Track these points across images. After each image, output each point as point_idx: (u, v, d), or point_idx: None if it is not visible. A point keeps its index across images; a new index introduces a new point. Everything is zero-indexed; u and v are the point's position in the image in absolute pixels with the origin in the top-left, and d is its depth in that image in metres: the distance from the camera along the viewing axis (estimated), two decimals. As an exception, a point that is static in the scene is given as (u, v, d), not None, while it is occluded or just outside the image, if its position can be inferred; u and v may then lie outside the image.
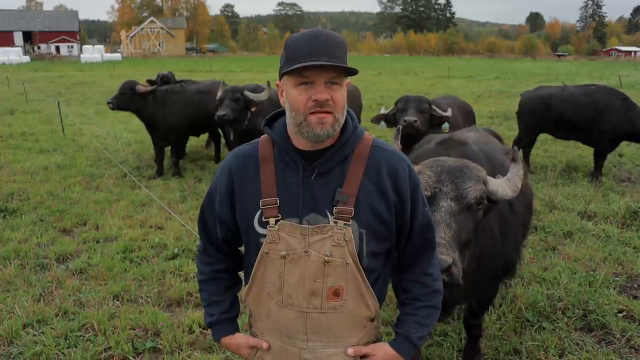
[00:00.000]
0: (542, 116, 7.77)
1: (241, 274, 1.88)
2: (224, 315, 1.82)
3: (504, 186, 2.36)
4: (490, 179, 2.33)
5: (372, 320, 1.72)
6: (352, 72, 1.52)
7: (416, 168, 2.21)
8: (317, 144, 1.58)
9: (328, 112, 1.51)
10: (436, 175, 2.26)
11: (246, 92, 6.69)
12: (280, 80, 1.61)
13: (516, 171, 2.45)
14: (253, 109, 6.68)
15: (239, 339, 1.80)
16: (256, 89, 7.15)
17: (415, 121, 5.32)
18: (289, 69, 1.49)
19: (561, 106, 7.54)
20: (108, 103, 7.45)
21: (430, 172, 2.28)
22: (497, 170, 2.83)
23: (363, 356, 1.70)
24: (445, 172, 2.26)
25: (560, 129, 7.79)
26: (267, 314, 1.70)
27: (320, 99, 1.49)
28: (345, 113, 1.59)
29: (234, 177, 1.67)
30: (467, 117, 6.50)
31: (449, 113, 5.61)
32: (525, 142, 8.16)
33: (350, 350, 1.68)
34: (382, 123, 5.72)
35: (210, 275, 1.83)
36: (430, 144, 3.12)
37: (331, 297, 1.61)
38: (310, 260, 1.58)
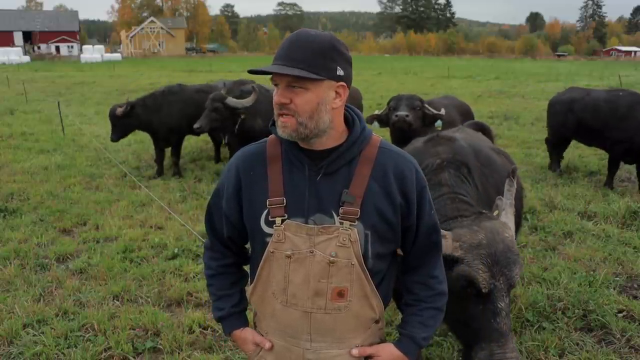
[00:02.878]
0: (564, 120, 7.53)
1: (247, 269, 1.89)
2: (234, 309, 1.83)
3: (512, 219, 2.32)
4: (511, 230, 2.25)
5: (376, 321, 1.72)
6: (297, 76, 1.48)
7: (457, 252, 2.08)
8: (316, 143, 1.59)
9: (289, 115, 1.53)
10: (489, 269, 2.07)
11: (228, 100, 6.52)
12: None
13: (512, 193, 2.38)
14: (242, 116, 6.52)
15: (246, 333, 1.81)
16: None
17: (407, 116, 5.32)
18: (249, 71, 1.58)
19: (582, 111, 7.25)
20: (112, 140, 7.73)
21: (482, 265, 2.08)
22: (484, 166, 2.87)
23: (367, 357, 1.70)
24: (495, 264, 2.08)
25: (581, 135, 7.51)
26: (271, 313, 1.70)
27: (276, 101, 1.54)
28: (318, 118, 1.55)
29: (241, 176, 1.68)
30: (465, 117, 6.35)
31: (442, 112, 5.58)
32: (552, 145, 7.93)
33: (355, 351, 1.68)
34: (375, 123, 5.73)
35: (217, 270, 1.84)
36: (418, 142, 3.09)
37: (335, 297, 1.61)
38: (315, 260, 1.58)
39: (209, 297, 1.98)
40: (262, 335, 1.77)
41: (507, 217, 2.30)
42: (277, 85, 1.55)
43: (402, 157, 1.67)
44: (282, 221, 1.60)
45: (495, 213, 2.37)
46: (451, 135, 2.96)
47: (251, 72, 1.56)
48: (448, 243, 2.06)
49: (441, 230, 1.95)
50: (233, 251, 1.84)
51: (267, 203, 1.61)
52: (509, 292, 2.09)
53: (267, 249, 1.63)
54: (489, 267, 2.06)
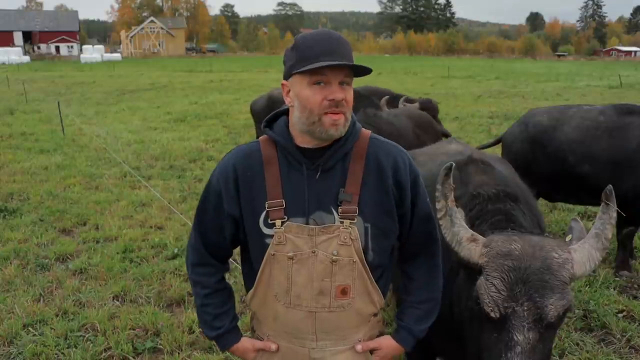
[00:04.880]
0: None
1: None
2: (231, 324, 1.80)
3: (592, 254, 1.69)
4: (576, 258, 1.67)
5: (375, 314, 1.74)
6: (367, 71, 1.56)
7: (482, 260, 1.67)
8: (322, 142, 1.59)
9: (341, 113, 1.54)
10: (508, 289, 1.60)
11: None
12: (287, 79, 1.61)
13: (607, 218, 1.76)
14: None
15: (245, 343, 1.78)
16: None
17: None
18: (305, 68, 1.49)
19: None
20: None
21: (499, 282, 1.62)
22: (521, 189, 2.40)
23: (371, 350, 1.73)
24: (520, 283, 1.59)
25: None
26: (273, 316, 1.69)
27: (337, 98, 1.51)
28: (351, 112, 1.62)
29: (239, 173, 1.65)
30: (424, 131, 5.24)
31: None
32: None
33: (359, 347, 1.70)
34: None
35: (215, 287, 1.77)
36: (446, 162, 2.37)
37: (339, 295, 1.62)
38: (317, 260, 1.59)
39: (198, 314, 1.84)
40: (262, 339, 1.76)
41: (584, 248, 1.71)
42: (320, 83, 1.51)
43: (394, 147, 1.70)
44: (283, 223, 1.59)
45: (568, 238, 1.88)
46: (486, 160, 2.44)
47: (322, 67, 1.47)
48: (477, 248, 1.70)
49: (475, 234, 1.76)
50: (222, 262, 1.79)
51: (266, 205, 1.60)
52: (538, 326, 1.59)
53: (267, 251, 1.62)
54: (510, 284, 1.60)
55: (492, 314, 1.61)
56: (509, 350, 1.58)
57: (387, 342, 1.75)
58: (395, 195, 1.63)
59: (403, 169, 1.64)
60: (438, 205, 1.80)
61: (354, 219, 1.58)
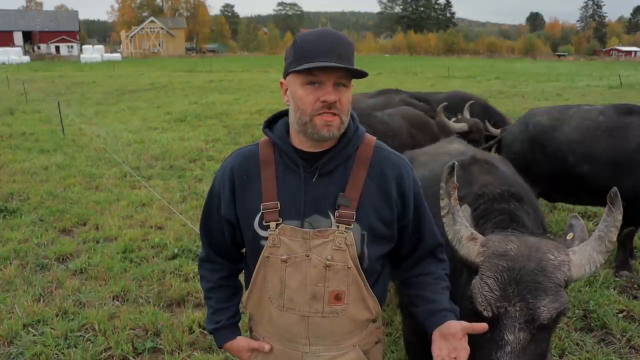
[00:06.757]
0: None
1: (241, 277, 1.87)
2: (230, 321, 1.81)
3: (593, 256, 1.68)
4: (574, 260, 1.67)
5: (373, 321, 1.72)
6: (361, 74, 1.51)
7: (479, 259, 1.70)
8: (319, 144, 1.57)
9: (335, 115, 1.50)
10: (501, 289, 1.62)
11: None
12: (284, 78, 1.59)
13: (612, 221, 1.71)
14: None
15: (240, 342, 1.79)
16: None
17: None
18: (297, 68, 1.47)
19: None
20: None
21: (493, 281, 1.64)
22: (524, 189, 2.43)
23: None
24: (514, 283, 1.61)
25: None
26: (268, 318, 1.69)
27: (330, 100, 1.47)
28: (348, 115, 1.57)
29: (235, 177, 1.66)
30: (419, 130, 5.17)
31: None
32: None
33: (437, 334, 1.60)
34: None
35: (218, 282, 1.80)
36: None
37: (333, 301, 1.60)
38: (311, 264, 1.57)
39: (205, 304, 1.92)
40: (259, 340, 1.75)
41: (585, 250, 1.69)
42: (314, 83, 1.48)
43: (399, 157, 1.68)
44: (277, 225, 1.58)
45: (569, 236, 1.86)
46: (490, 160, 2.52)
47: (313, 68, 1.44)
48: (475, 247, 1.72)
49: (475, 233, 1.78)
50: (231, 260, 1.80)
51: (261, 207, 1.59)
52: (530, 327, 1.60)
53: (262, 254, 1.61)
54: (503, 284, 1.62)
55: (485, 313, 1.63)
56: (499, 350, 1.60)
57: (454, 324, 1.59)
58: (398, 207, 1.62)
59: (407, 180, 1.63)
60: (442, 204, 1.81)
61: (350, 224, 1.56)
